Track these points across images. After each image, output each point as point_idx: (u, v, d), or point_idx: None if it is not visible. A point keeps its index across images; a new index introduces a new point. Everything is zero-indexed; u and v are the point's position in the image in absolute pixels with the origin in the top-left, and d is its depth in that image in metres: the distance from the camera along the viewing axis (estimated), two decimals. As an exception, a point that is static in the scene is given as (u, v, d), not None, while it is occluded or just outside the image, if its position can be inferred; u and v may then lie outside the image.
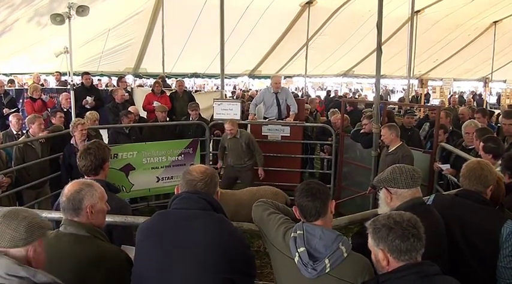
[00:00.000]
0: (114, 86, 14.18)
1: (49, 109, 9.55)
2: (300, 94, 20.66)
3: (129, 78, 16.91)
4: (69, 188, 2.58)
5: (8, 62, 14.38)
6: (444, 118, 8.37)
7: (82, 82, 10.38)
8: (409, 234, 2.13)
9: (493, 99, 23.48)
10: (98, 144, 3.78)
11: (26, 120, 7.61)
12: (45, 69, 15.19)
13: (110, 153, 3.86)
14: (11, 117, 7.76)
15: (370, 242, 2.26)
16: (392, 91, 31.54)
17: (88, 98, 9.76)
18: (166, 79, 14.57)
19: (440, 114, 7.65)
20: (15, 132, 7.42)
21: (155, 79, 11.98)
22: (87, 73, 10.91)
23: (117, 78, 12.79)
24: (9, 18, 11.50)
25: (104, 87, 16.98)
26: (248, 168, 8.00)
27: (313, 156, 9.98)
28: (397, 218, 2.19)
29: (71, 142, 6.71)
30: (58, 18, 7.46)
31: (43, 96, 10.50)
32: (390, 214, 2.26)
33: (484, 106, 16.21)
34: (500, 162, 4.57)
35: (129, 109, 8.98)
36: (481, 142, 4.84)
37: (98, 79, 18.86)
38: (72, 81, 8.21)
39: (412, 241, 2.13)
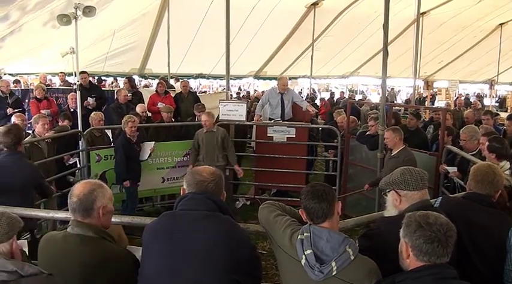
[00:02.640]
0: (119, 87, 14.20)
1: (48, 111, 9.49)
2: (304, 96, 20.66)
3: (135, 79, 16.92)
4: (80, 189, 2.56)
5: (14, 62, 14.43)
6: (449, 120, 8.38)
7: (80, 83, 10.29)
8: (435, 238, 2.13)
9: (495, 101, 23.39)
10: (18, 126, 5.22)
11: (32, 120, 7.65)
12: (51, 70, 15.23)
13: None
14: (13, 118, 7.72)
15: (401, 232, 2.27)
16: (398, 93, 31.44)
17: (89, 99, 9.73)
18: (172, 80, 14.58)
19: (446, 116, 7.63)
20: (19, 133, 7.40)
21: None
22: (83, 72, 10.62)
23: (123, 79, 12.73)
24: (15, 20, 11.53)
25: (108, 87, 16.98)
26: (221, 168, 7.67)
27: (319, 158, 9.96)
28: (431, 219, 2.19)
29: (127, 136, 7.28)
30: (64, 19, 7.47)
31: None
32: (428, 212, 2.26)
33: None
34: (503, 163, 4.56)
35: (137, 107, 8.98)
36: (487, 142, 4.83)
37: (104, 80, 18.86)
38: (78, 81, 8.22)
39: (436, 246, 2.12)
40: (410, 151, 6.45)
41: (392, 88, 28.37)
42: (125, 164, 7.24)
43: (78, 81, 8.25)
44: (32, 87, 12.61)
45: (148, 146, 7.64)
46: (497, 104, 22.13)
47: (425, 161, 7.06)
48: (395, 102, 22.28)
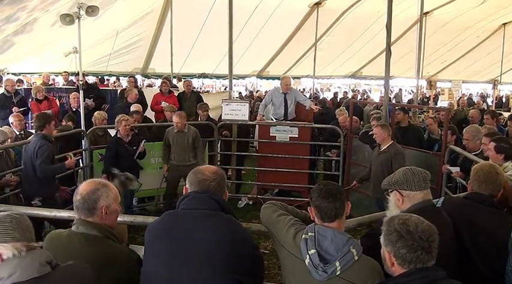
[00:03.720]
0: (122, 86, 14.20)
1: (49, 111, 9.47)
2: (307, 95, 20.65)
3: (138, 78, 16.94)
4: (84, 187, 2.57)
5: (18, 62, 14.46)
6: (433, 124, 8.43)
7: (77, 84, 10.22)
8: (418, 247, 2.10)
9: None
10: (45, 113, 6.59)
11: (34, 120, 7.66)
12: (55, 70, 15.26)
13: (51, 120, 6.17)
14: (11, 118, 7.69)
15: (381, 239, 2.25)
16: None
17: (87, 100, 9.70)
18: (174, 79, 14.59)
19: (448, 116, 7.62)
20: (18, 133, 7.38)
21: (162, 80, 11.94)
22: (78, 74, 10.72)
23: (126, 78, 12.71)
24: (19, 20, 11.55)
25: (110, 87, 16.98)
26: (193, 167, 7.57)
27: (322, 158, 9.96)
28: (412, 227, 2.15)
29: (118, 136, 7.35)
30: (68, 19, 7.48)
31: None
32: (407, 219, 2.21)
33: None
34: (507, 163, 4.55)
35: (131, 107, 8.94)
36: (493, 142, 4.83)
37: (107, 79, 18.90)
38: (81, 81, 8.23)
39: (420, 253, 2.09)
40: (399, 146, 6.68)
41: (400, 89, 28.36)
42: (108, 163, 7.25)
43: (80, 81, 8.25)
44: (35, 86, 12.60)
45: (139, 145, 7.59)
46: (491, 104, 22.02)
47: (428, 161, 7.05)
48: (401, 102, 22.24)
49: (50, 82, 14.13)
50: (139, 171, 7.65)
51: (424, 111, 14.11)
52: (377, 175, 6.44)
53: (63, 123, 8.13)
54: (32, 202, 6.04)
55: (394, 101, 19.26)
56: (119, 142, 7.28)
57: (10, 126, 7.43)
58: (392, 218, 2.25)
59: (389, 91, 28.96)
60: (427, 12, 17.06)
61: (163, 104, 9.67)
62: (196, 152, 7.89)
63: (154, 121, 9.53)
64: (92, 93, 10.17)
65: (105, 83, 18.18)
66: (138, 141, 7.58)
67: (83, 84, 8.45)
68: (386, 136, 6.56)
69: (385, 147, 6.57)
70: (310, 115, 9.37)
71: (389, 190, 2.85)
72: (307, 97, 11.40)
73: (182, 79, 13.80)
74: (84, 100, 9.28)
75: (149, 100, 10.48)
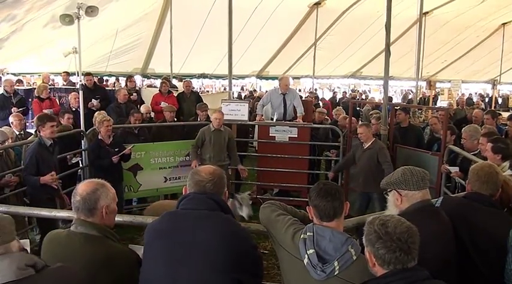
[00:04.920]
0: (121, 86, 14.21)
1: (50, 110, 9.49)
2: (307, 95, 20.62)
3: (137, 79, 16.95)
4: (83, 188, 2.56)
5: (17, 62, 14.46)
6: (438, 124, 8.42)
7: (85, 84, 10.25)
8: (396, 248, 2.09)
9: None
10: (43, 114, 6.83)
11: (35, 119, 7.66)
12: (54, 70, 15.26)
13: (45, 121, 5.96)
14: (11, 118, 7.68)
15: (363, 240, 2.24)
16: (401, 93, 31.36)
17: (94, 101, 9.74)
18: (174, 80, 14.60)
19: (448, 116, 7.63)
20: (17, 133, 7.38)
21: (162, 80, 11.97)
22: (88, 74, 10.75)
23: (125, 78, 12.72)
24: (18, 19, 11.55)
25: (110, 87, 16.99)
26: (225, 167, 7.71)
27: (321, 158, 9.96)
28: (390, 228, 2.14)
29: (99, 137, 7.31)
30: (67, 19, 7.47)
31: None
32: (387, 220, 2.20)
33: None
34: (505, 163, 4.56)
35: (141, 108, 9.00)
36: (490, 143, 4.83)
37: (106, 79, 18.90)
38: (81, 81, 8.23)
39: (398, 254, 2.09)
40: (381, 141, 7.38)
41: (408, 90, 28.41)
42: (96, 165, 7.29)
43: (80, 81, 8.25)
44: (34, 86, 12.60)
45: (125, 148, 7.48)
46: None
47: (427, 161, 7.07)
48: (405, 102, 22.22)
49: (49, 83, 14.13)
50: (122, 174, 7.63)
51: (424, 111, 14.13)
52: (365, 170, 7.20)
53: (61, 120, 8.12)
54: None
55: (402, 102, 19.26)
56: (100, 144, 7.27)
57: (10, 126, 7.44)
58: (374, 219, 2.24)
59: (399, 92, 29.08)
60: (427, 12, 17.04)
61: (163, 104, 9.69)
62: (229, 153, 7.95)
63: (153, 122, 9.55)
64: (99, 94, 10.18)
65: (103, 84, 18.17)
66: (121, 142, 7.55)
67: (85, 85, 8.46)
68: (370, 134, 7.21)
69: (369, 143, 7.17)
70: (310, 116, 9.38)
71: (388, 190, 2.85)
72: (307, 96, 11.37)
73: (182, 80, 13.81)
74: (90, 100, 9.34)
75: (148, 100, 10.49)
